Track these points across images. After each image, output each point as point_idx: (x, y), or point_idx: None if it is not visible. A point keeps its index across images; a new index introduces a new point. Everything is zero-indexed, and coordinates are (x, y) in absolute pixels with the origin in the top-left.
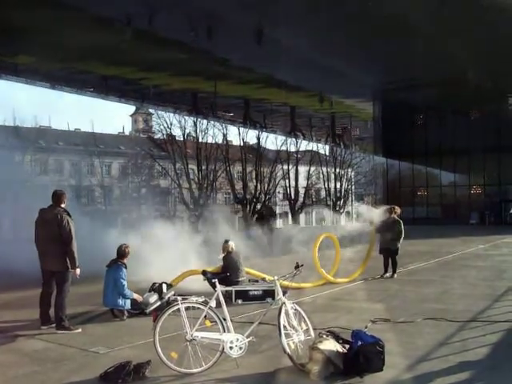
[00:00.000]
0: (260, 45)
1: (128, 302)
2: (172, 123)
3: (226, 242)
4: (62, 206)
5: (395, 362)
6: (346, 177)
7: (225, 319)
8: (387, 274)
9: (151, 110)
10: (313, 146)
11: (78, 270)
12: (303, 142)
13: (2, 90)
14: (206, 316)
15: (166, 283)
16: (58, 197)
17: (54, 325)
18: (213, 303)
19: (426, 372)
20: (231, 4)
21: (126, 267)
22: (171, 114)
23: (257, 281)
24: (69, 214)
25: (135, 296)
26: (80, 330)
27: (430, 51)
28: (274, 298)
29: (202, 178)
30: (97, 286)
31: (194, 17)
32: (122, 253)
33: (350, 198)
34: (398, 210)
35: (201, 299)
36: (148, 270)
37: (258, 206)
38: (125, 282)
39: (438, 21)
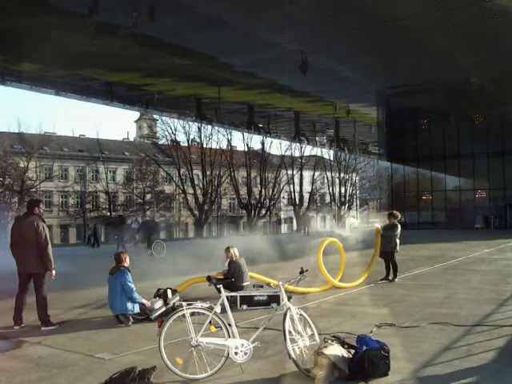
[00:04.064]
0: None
1: (137, 306)
2: (176, 129)
3: (228, 248)
4: (36, 212)
5: (400, 367)
6: (350, 181)
7: (230, 325)
8: (389, 278)
9: (156, 116)
10: (317, 151)
11: (53, 272)
12: (307, 147)
13: (6, 96)
14: (211, 321)
15: (170, 289)
16: (32, 205)
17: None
18: (218, 309)
19: (431, 377)
20: (232, 8)
21: (129, 271)
22: (176, 120)
23: (261, 286)
24: (43, 220)
25: (144, 301)
26: (57, 326)
27: (434, 56)
28: (278, 304)
29: (206, 184)
30: (99, 292)
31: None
32: (120, 259)
33: (354, 203)
34: (397, 214)
35: (206, 305)
36: None
37: (263, 211)
38: (133, 286)
39: (442, 25)
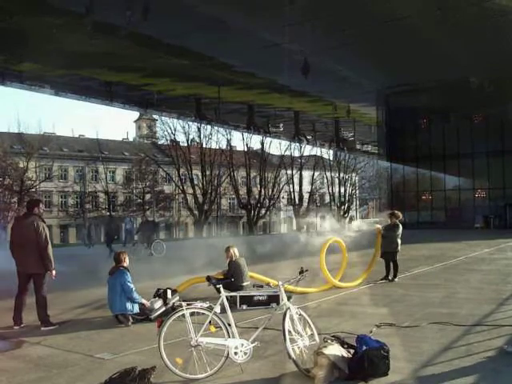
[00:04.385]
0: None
1: (136, 306)
2: (176, 129)
3: (228, 248)
4: (36, 212)
5: (400, 367)
6: (350, 181)
7: (229, 325)
8: (389, 278)
9: (155, 116)
10: (317, 150)
11: (54, 272)
12: (307, 146)
13: (6, 96)
14: (210, 321)
15: (170, 289)
16: (32, 205)
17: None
18: (217, 309)
19: (430, 376)
20: (231, 8)
21: (129, 271)
22: (175, 120)
23: (261, 286)
24: (43, 220)
25: (143, 301)
26: (57, 326)
27: (434, 56)
28: (278, 304)
29: (206, 184)
30: (99, 293)
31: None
32: (119, 259)
33: (354, 203)
34: (399, 214)
35: (205, 305)
36: None
37: (263, 211)
38: (132, 286)
39: (442, 25)
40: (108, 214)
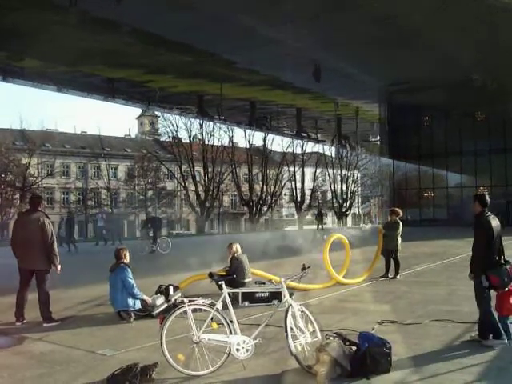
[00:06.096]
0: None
1: (138, 302)
2: (178, 125)
3: (231, 244)
4: (41, 209)
5: (402, 364)
6: (352, 178)
7: (231, 321)
8: (389, 275)
9: (157, 113)
10: (319, 147)
11: (59, 267)
12: (309, 143)
13: (9, 93)
14: (212, 318)
15: (172, 285)
16: (36, 201)
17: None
18: (219, 305)
19: (433, 374)
20: (233, 5)
21: (129, 267)
22: (177, 117)
23: (263, 282)
24: (48, 217)
25: (145, 297)
26: (59, 322)
27: (436, 53)
28: (280, 300)
29: (208, 180)
30: (101, 289)
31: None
32: (120, 255)
33: (356, 200)
34: (399, 212)
35: (207, 301)
36: None
37: (265, 208)
38: (133, 282)
39: (443, 23)
40: (111, 210)
